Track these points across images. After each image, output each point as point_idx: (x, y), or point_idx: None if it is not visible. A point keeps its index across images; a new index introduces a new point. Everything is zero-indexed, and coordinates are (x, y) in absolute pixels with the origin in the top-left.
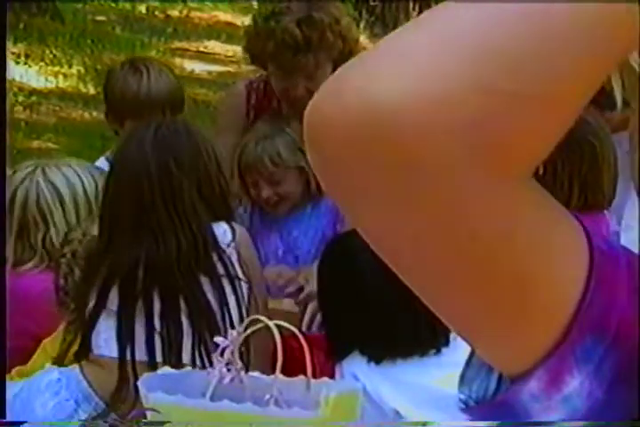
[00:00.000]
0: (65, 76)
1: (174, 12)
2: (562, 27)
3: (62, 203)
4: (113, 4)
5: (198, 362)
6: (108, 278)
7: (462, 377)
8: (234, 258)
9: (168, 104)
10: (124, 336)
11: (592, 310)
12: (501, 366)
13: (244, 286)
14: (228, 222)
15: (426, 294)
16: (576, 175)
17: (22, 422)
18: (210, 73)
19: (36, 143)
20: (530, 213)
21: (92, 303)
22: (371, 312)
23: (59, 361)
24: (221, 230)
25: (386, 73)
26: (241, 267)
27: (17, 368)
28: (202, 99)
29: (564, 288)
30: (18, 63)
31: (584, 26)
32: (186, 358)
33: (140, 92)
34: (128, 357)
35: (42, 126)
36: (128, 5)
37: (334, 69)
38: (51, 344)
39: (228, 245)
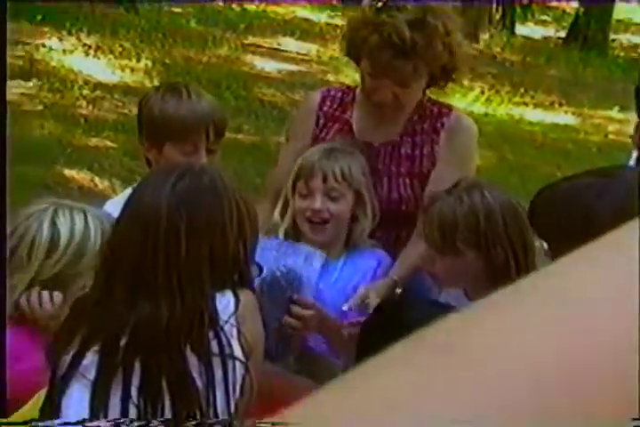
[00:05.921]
0: (132, 69)
1: (251, 6)
2: None
3: (52, 248)
4: None
5: None
6: (87, 340)
7: None
8: (232, 335)
9: (212, 125)
10: (96, 409)
11: None
12: None
13: (238, 365)
14: (235, 291)
15: None
16: None
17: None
18: (280, 72)
19: (94, 141)
20: None
21: (64, 367)
22: None
23: None
24: (224, 302)
25: None
26: (239, 343)
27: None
28: (269, 99)
29: None
30: (88, 55)
31: None
32: None
33: (182, 112)
34: None
35: (102, 123)
36: None
37: (430, 82)
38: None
39: (227, 321)
